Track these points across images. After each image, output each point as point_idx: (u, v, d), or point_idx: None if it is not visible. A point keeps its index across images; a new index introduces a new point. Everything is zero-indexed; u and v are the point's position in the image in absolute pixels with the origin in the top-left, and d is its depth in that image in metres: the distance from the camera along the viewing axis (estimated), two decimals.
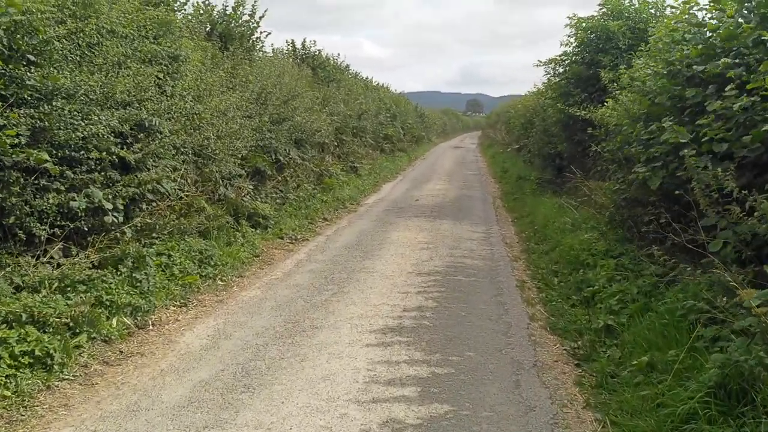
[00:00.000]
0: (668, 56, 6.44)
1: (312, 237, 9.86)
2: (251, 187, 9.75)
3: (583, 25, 12.05)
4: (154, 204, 6.99)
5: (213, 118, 8.49)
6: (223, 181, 8.77)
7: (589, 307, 5.89)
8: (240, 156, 9.50)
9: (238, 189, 9.40)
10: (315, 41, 20.87)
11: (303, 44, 20.90)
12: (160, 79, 7.48)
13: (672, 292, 5.11)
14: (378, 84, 30.70)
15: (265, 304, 6.27)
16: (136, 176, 6.53)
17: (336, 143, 16.53)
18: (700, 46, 5.72)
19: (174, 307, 6.15)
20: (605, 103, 9.81)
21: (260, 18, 13.00)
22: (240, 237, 8.49)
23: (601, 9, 12.21)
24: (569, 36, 12.53)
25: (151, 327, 5.62)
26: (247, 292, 6.75)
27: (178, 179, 7.56)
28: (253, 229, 9.19)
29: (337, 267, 7.77)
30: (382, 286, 6.88)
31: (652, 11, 11.70)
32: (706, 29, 5.99)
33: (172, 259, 6.75)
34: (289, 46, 20.61)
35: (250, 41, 13.67)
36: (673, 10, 7.20)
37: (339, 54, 22.28)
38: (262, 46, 14.39)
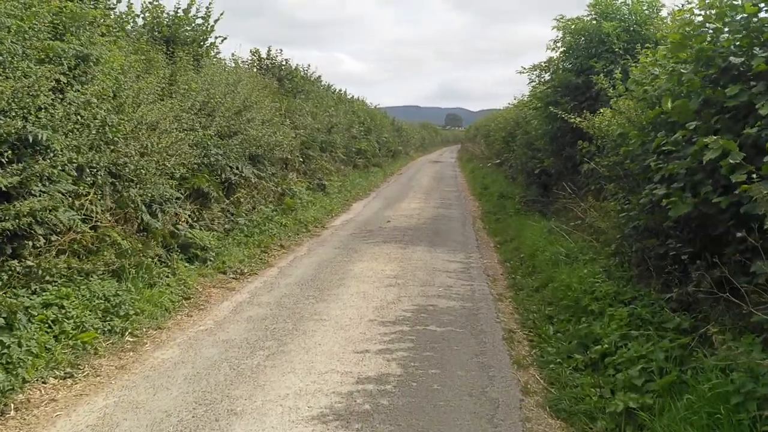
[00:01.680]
0: (688, 52, 5.15)
1: (262, 270, 8.41)
2: (189, 212, 8.28)
3: (572, 27, 10.82)
4: (46, 240, 5.50)
5: (137, 131, 7.04)
6: (149, 206, 7.30)
7: (599, 374, 4.51)
8: (176, 176, 8.07)
9: (174, 215, 7.94)
10: (281, 50, 19.54)
11: (268, 54, 19.62)
12: (61, 83, 6.02)
13: (714, 362, 3.76)
14: (352, 97, 29.46)
15: (178, 372, 4.80)
16: (13, 206, 5.05)
17: (301, 159, 15.12)
18: (739, 34, 4.42)
19: (55, 379, 4.65)
20: (599, 113, 8.57)
21: (215, 21, 11.64)
22: (169, 275, 7.02)
23: (590, 12, 11.03)
24: (556, 40, 11.31)
25: (12, 412, 4.13)
26: (162, 351, 5.28)
27: (84, 207, 6.09)
28: (189, 264, 7.72)
29: (283, 313, 6.33)
30: (335, 341, 5.44)
31: (647, 11, 10.54)
32: (740, 14, 4.68)
33: (65, 311, 5.26)
34: (254, 56, 19.32)
35: (203, 47, 12.29)
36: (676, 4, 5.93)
37: (309, 65, 20.95)
38: (218, 52, 13.07)
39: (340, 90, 27.26)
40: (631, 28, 10.23)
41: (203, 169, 9.14)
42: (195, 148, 8.85)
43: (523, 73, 11.94)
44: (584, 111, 10.56)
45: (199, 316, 6.32)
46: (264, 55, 19.45)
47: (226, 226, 9.51)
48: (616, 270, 6.12)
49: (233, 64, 14.90)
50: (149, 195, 7.23)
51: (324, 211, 13.75)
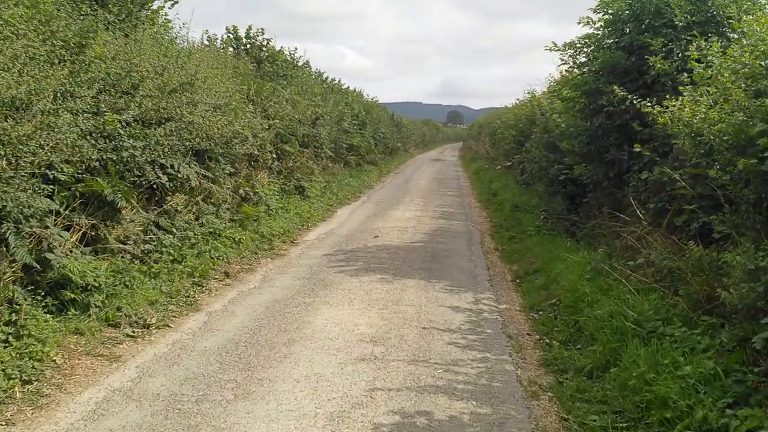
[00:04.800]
0: None
1: (181, 318, 5.79)
2: (58, 234, 5.63)
3: None
4: None
5: None
6: None
7: None
8: (58, 178, 5.51)
9: (43, 239, 5.31)
10: (263, 29, 16.93)
11: (248, 33, 17.01)
12: None
13: None
14: (348, 88, 26.78)
15: None
16: None
17: (275, 155, 12.46)
18: None
19: None
20: (667, 104, 6.00)
21: None
22: (9, 338, 4.40)
23: None
24: (595, 9, 8.64)
25: None
26: None
27: None
28: (60, 313, 5.10)
29: (165, 429, 3.70)
30: None
31: None
32: None
33: None
34: (230, 34, 16.71)
35: (146, 9, 9.71)
36: None
37: (296, 48, 18.32)
38: (168, 20, 10.46)
39: (333, 79, 24.64)
40: None
41: (112, 167, 6.51)
42: (95, 138, 6.23)
43: (554, 50, 9.23)
44: (634, 103, 7.99)
45: (26, 426, 3.69)
46: (242, 34, 16.90)
47: (143, 247, 6.87)
48: (753, 374, 3.48)
49: (199, 41, 12.30)
50: None
51: (298, 221, 11.12)
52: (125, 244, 6.71)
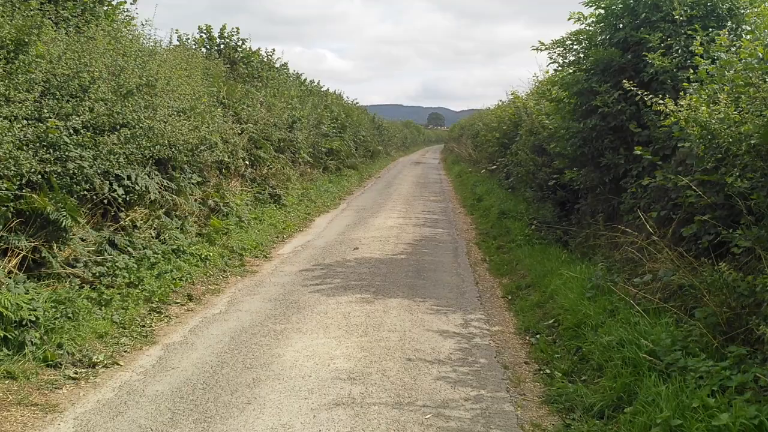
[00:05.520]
0: None
1: (134, 353, 5.09)
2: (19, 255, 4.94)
3: None
4: None
5: None
6: None
7: None
8: None
9: None
10: (238, 29, 16.26)
11: (221, 33, 16.34)
12: None
13: None
14: (327, 90, 26.11)
15: None
16: None
17: (247, 162, 11.76)
18: None
19: None
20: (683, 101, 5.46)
21: None
22: None
23: None
24: (586, 3, 8.10)
25: None
26: None
27: None
28: None
29: None
30: None
31: None
32: None
33: None
34: (202, 34, 16.01)
35: (103, 6, 9.03)
36: None
37: (274, 50, 17.58)
38: (132, 18, 9.78)
39: (312, 81, 23.96)
40: None
41: (56, 181, 5.79)
42: (36, 148, 5.53)
43: (541, 50, 8.68)
44: (630, 102, 7.46)
45: None
46: (216, 34, 16.20)
47: (96, 270, 6.15)
48: None
49: (169, 43, 11.54)
50: None
51: (273, 233, 10.44)
52: (74, 267, 6.02)
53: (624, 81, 6.46)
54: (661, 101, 5.41)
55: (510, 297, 7.06)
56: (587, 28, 8.33)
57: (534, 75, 18.16)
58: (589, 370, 4.61)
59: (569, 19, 8.48)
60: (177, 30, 14.00)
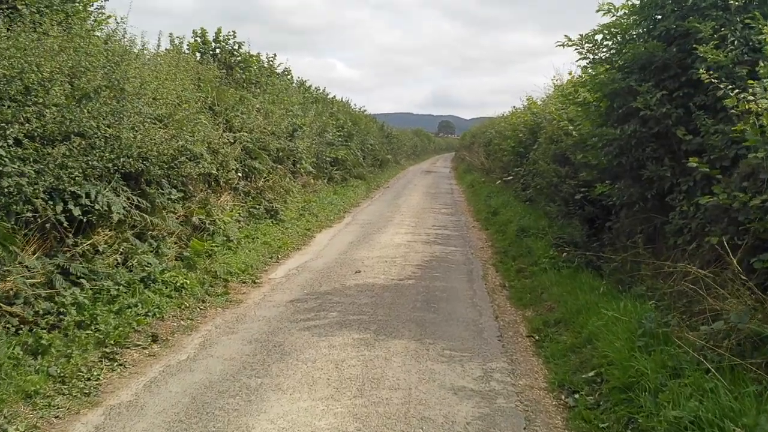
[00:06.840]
0: None
1: (66, 419, 4.01)
2: None
3: None
4: None
5: None
6: None
7: None
8: None
9: None
10: (234, 32, 15.27)
11: (216, 37, 15.36)
12: None
13: None
14: (333, 97, 25.13)
15: None
16: None
17: (241, 174, 10.71)
18: None
19: None
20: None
21: None
22: None
23: None
24: None
25: None
26: None
27: None
28: None
29: None
30: None
31: None
32: None
33: None
34: (197, 38, 15.04)
35: (72, 4, 8.06)
36: None
37: (275, 54, 16.58)
38: (109, 16, 8.82)
39: (317, 88, 22.97)
40: None
41: None
42: None
43: (567, 46, 7.55)
44: (676, 105, 6.36)
45: None
46: (211, 38, 15.23)
47: (42, 306, 5.10)
48: None
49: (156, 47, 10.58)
50: None
51: (266, 252, 9.36)
52: (12, 305, 4.98)
53: (700, 71, 5.34)
54: (751, 97, 4.26)
55: (537, 337, 5.92)
56: (621, 20, 7.22)
57: (554, 77, 16.98)
58: None
59: (598, 11, 7.36)
60: (171, 33, 13.03)
